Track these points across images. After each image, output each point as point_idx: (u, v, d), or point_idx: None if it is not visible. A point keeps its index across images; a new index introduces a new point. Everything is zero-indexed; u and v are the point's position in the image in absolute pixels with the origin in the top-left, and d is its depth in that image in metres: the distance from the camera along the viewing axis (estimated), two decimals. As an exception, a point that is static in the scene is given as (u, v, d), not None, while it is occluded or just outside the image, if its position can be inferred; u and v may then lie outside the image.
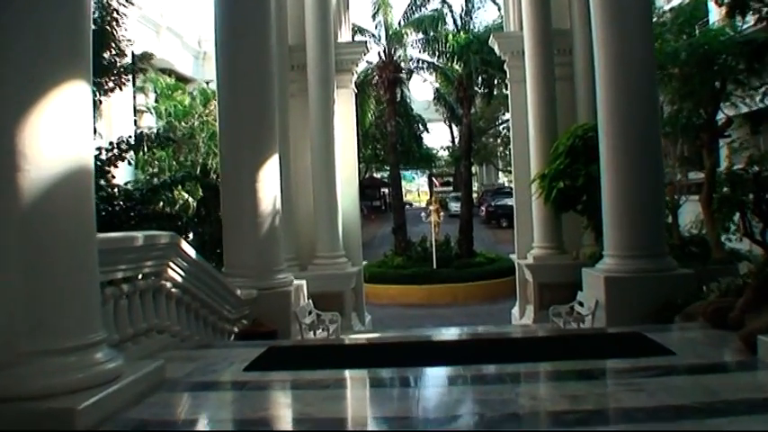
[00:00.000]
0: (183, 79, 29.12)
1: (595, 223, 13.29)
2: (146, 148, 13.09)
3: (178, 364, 5.98)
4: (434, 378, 5.61)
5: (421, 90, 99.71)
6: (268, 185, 10.24)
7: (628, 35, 9.90)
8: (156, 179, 13.55)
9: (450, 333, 12.91)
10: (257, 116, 10.31)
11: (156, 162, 21.50)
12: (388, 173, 38.31)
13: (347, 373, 5.95)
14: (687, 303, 8.90)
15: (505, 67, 16.67)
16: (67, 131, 4.61)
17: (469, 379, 5.36)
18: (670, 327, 7.99)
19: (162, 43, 28.97)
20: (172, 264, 7.18)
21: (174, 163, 21.99)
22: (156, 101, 26.75)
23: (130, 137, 13.03)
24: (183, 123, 23.25)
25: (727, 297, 7.87)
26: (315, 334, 10.46)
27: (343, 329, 13.54)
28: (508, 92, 16.91)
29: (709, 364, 5.58)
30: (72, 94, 4.68)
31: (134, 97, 29.02)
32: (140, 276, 6.52)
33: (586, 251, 14.14)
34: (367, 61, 29.38)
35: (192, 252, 7.54)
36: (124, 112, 24.78)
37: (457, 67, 28.86)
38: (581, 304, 11.01)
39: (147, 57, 15.05)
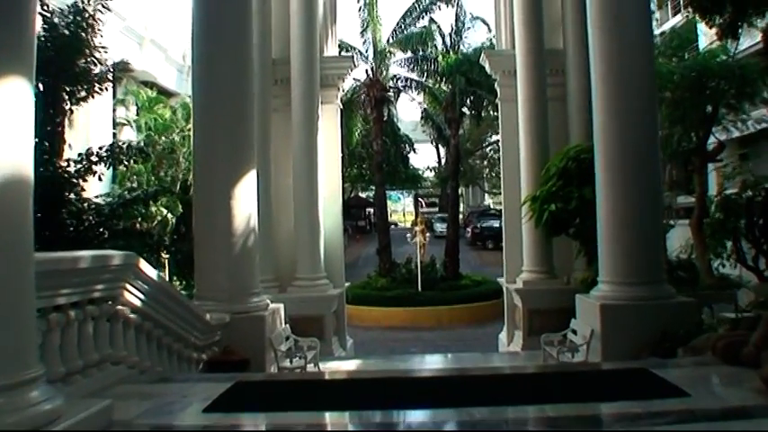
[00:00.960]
0: (165, 93, 28.44)
1: (588, 248, 12.79)
2: (118, 161, 12.37)
3: (131, 403, 5.31)
4: (421, 424, 4.94)
5: (408, 110, 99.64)
6: (244, 203, 9.61)
7: (627, 48, 9.42)
8: (129, 194, 12.75)
9: (435, 363, 12.31)
10: (234, 128, 9.69)
11: (135, 177, 20.82)
12: (373, 192, 37.64)
13: (324, 416, 5.27)
14: (689, 334, 8.37)
15: (496, 86, 16.16)
16: (1, 135, 3.99)
17: (459, 426, 4.71)
18: (676, 362, 7.39)
19: (145, 56, 28.27)
20: (129, 287, 6.49)
21: (153, 178, 21.32)
22: (138, 114, 26.11)
23: (101, 148, 12.32)
24: (163, 138, 22.63)
25: (737, 330, 7.30)
26: (291, 362, 9.77)
27: (322, 355, 12.83)
28: (498, 112, 16.38)
29: (730, 409, 4.96)
30: (8, 94, 4.06)
31: (114, 110, 28.40)
32: (91, 301, 5.81)
33: (578, 276, 13.56)
34: (354, 78, 29.02)
35: (152, 273, 6.87)
36: (103, 125, 24.03)
37: (445, 87, 28.46)
38: (574, 332, 10.43)
39: (123, 65, 14.37)
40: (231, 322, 9.23)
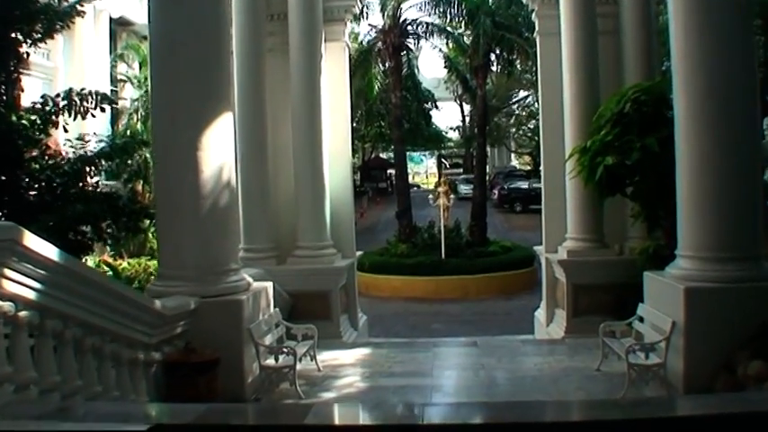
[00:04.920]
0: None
1: (650, 211, 10.54)
2: (78, 110, 10.21)
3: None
4: None
5: (431, 68, 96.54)
6: (215, 154, 7.48)
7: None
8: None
9: (460, 357, 10.13)
10: (203, 60, 7.50)
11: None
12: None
13: None
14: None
15: (533, 17, 13.68)
16: None
17: None
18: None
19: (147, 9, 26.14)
20: (10, 273, 4.36)
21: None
22: (140, 69, 24.11)
23: (58, 95, 10.17)
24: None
25: None
26: (277, 359, 7.64)
27: (328, 338, 10.88)
28: (537, 48, 13.85)
29: None
30: None
31: (114, 66, 26.45)
32: None
33: (634, 246, 11.29)
34: (370, 24, 26.50)
35: (50, 252, 4.71)
36: (100, 82, 21.96)
37: (469, 33, 25.83)
38: (641, 320, 8.20)
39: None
40: (199, 309, 7.17)
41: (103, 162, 10.67)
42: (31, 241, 4.48)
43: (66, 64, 22.24)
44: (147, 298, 6.41)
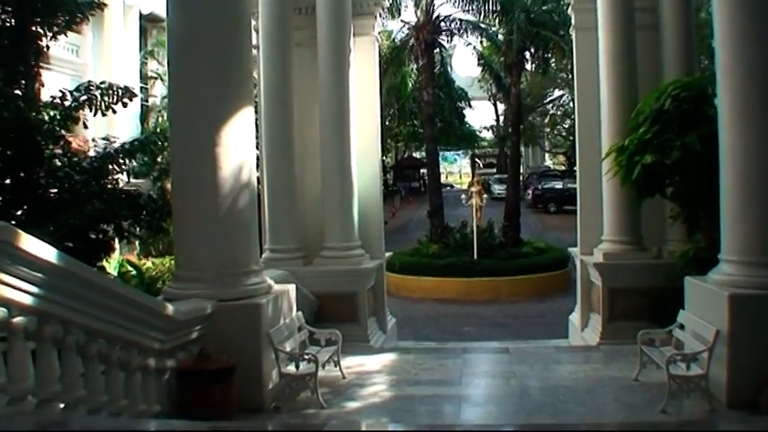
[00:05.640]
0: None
1: (690, 212, 10.06)
2: (99, 105, 10.00)
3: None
4: None
5: (464, 66, 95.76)
6: (234, 150, 7.17)
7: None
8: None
9: (491, 366, 9.72)
10: (222, 50, 7.22)
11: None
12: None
13: None
14: None
15: (570, 10, 13.13)
16: None
17: None
18: None
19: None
20: (5, 276, 4.09)
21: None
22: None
23: (77, 89, 9.97)
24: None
25: None
26: (298, 367, 7.29)
27: (355, 341, 10.60)
28: (573, 44, 13.32)
29: None
30: None
31: (145, 63, 26.51)
32: None
33: (674, 249, 10.75)
34: (402, 20, 26.09)
35: (48, 254, 4.42)
36: (130, 78, 21.91)
37: (504, 31, 25.32)
38: (681, 327, 7.74)
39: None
40: (216, 313, 6.86)
41: (126, 160, 10.42)
42: (27, 243, 4.21)
43: (95, 60, 22.25)
44: (158, 302, 6.12)
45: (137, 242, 15.82)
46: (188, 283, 7.11)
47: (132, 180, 13.39)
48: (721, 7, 7.15)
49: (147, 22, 26.30)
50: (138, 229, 10.33)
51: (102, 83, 10.07)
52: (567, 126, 47.76)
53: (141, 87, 23.71)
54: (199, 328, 6.69)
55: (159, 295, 7.35)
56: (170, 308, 6.05)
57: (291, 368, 7.30)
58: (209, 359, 6.30)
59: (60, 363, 4.76)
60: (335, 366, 8.36)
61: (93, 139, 11.31)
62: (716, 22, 7.27)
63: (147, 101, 26.33)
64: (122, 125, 18.88)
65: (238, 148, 7.20)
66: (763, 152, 6.79)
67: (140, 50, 25.18)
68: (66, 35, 11.02)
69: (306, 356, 7.42)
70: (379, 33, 13.68)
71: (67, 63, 20.13)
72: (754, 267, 6.68)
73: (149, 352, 5.92)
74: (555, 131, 53.86)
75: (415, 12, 25.34)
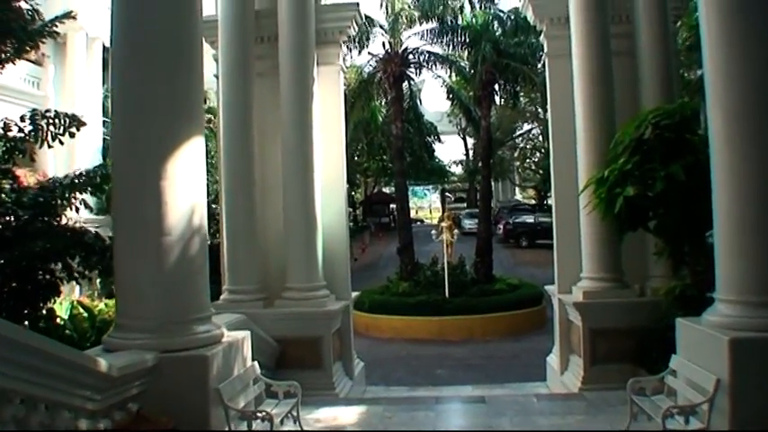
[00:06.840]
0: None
1: (675, 247, 9.55)
2: (45, 136, 9.23)
3: None
4: None
5: (433, 101, 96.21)
6: (183, 185, 6.46)
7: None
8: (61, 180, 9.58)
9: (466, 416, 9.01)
10: (170, 74, 6.51)
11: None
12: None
13: None
14: None
15: (542, 38, 12.67)
16: None
17: None
18: None
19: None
20: None
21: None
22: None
23: (22, 119, 9.19)
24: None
25: None
26: (251, 426, 6.51)
27: (319, 390, 9.90)
28: (545, 71, 12.81)
29: None
30: None
31: (105, 96, 25.61)
32: None
33: (659, 286, 10.19)
34: (369, 53, 25.65)
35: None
36: (92, 111, 21.20)
37: (471, 61, 25.10)
38: (674, 373, 7.11)
39: (69, 17, 11.24)
40: (159, 366, 6.07)
41: (74, 195, 9.62)
42: None
43: (57, 93, 21.43)
44: (87, 357, 5.32)
45: (97, 281, 14.96)
46: (130, 332, 6.32)
47: (92, 216, 12.50)
48: (708, 18, 6.64)
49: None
50: (88, 269, 9.53)
51: (47, 111, 9.29)
52: (536, 159, 47.88)
53: (104, 121, 22.82)
54: (138, 384, 5.89)
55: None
56: (103, 363, 5.25)
57: (243, 427, 6.50)
58: (147, 421, 5.51)
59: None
60: (295, 423, 7.53)
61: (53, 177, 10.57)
62: (703, 35, 6.66)
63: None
64: (84, 160, 18.15)
65: (187, 181, 6.48)
66: (761, 179, 6.20)
67: (104, 83, 24.31)
68: (14, 63, 10.24)
69: (259, 414, 6.62)
70: (347, 68, 13.13)
71: (27, 95, 19.30)
72: (756, 308, 6.03)
73: (81, 413, 5.13)
74: (525, 165, 54.00)
75: (383, 44, 24.93)
